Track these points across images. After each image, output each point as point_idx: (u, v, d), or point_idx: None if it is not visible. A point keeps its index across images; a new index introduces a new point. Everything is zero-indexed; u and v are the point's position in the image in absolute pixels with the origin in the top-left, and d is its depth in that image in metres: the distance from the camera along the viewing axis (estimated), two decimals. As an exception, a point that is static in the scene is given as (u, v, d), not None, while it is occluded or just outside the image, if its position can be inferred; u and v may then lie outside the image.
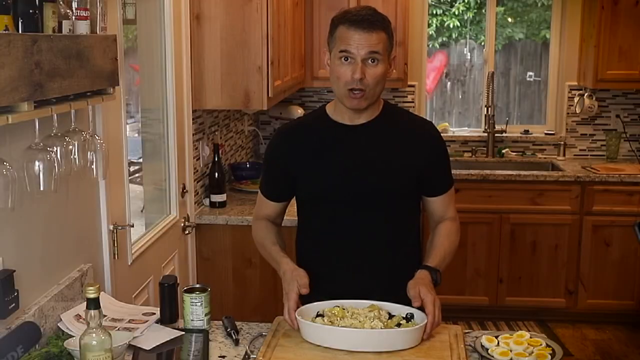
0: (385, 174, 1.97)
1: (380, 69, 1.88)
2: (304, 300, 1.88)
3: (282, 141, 2.07)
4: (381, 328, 1.76)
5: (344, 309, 1.84)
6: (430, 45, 5.29)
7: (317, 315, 1.84)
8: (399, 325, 1.79)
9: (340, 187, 1.97)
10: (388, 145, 1.98)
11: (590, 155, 4.95)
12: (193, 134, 3.29)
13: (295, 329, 1.82)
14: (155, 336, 1.86)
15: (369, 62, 1.87)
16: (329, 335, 1.74)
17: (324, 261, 2.01)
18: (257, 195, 2.18)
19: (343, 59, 1.87)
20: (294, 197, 2.12)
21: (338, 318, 1.80)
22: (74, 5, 1.78)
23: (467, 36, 5.40)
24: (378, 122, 1.99)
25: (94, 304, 1.51)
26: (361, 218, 1.98)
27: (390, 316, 1.83)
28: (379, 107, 2.01)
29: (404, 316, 1.83)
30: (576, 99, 4.86)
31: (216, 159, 3.50)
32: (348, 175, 1.96)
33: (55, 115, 1.75)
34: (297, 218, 2.14)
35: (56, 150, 1.77)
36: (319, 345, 1.75)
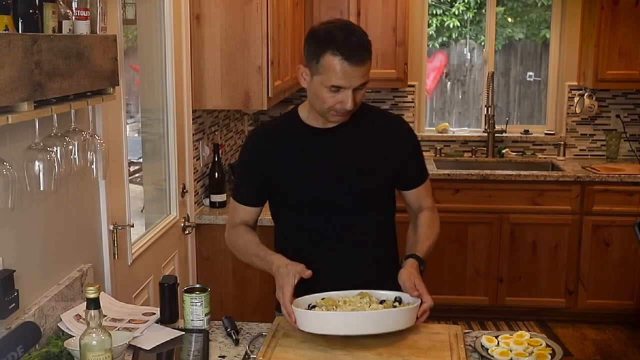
0: (364, 174, 1.98)
1: (365, 88, 1.90)
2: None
3: (256, 145, 2.04)
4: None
5: (334, 299, 1.84)
6: (430, 45, 5.29)
7: (310, 308, 1.83)
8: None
9: (320, 190, 1.97)
10: (364, 146, 1.99)
11: (590, 155, 4.95)
12: (193, 134, 3.29)
13: (294, 321, 1.80)
14: (155, 336, 1.87)
15: (358, 88, 1.87)
16: (329, 320, 1.74)
17: (305, 263, 1.96)
18: (230, 203, 2.14)
19: (332, 89, 1.85)
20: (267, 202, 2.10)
21: (333, 307, 1.80)
22: (74, 5, 1.78)
23: (467, 36, 5.40)
24: (352, 123, 1.98)
25: (94, 304, 1.51)
26: (342, 219, 1.98)
27: (381, 302, 1.85)
28: None
29: (394, 300, 1.86)
30: (576, 99, 4.86)
31: (216, 159, 3.50)
32: (327, 178, 1.96)
33: (55, 115, 1.75)
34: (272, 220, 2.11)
35: (56, 150, 1.77)
36: (318, 342, 1.74)
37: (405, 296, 1.86)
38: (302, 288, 1.88)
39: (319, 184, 1.97)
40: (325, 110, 1.90)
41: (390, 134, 2.03)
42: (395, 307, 1.82)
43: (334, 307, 1.81)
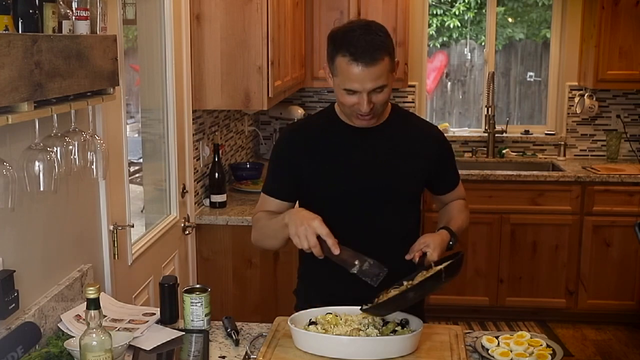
0: (397, 177, 1.99)
1: (387, 91, 1.87)
2: (300, 306, 1.87)
3: (293, 141, 2.04)
4: (377, 335, 1.73)
5: (337, 316, 1.80)
6: (431, 45, 5.29)
7: (310, 323, 1.79)
8: (394, 332, 1.76)
9: (353, 189, 1.97)
10: (399, 149, 2.00)
11: (591, 155, 4.95)
12: (193, 134, 3.28)
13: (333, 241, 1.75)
14: (155, 336, 1.86)
15: (375, 90, 1.84)
16: (324, 343, 1.70)
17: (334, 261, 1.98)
18: (260, 198, 2.10)
19: (348, 91, 1.84)
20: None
21: (332, 325, 1.76)
22: (74, 5, 1.78)
23: (468, 36, 5.40)
24: (388, 125, 2.00)
25: (94, 304, 1.51)
26: (373, 219, 1.98)
27: (385, 322, 1.80)
28: (388, 109, 2.02)
29: (399, 322, 1.80)
30: (576, 99, 4.86)
31: (216, 159, 3.50)
32: (358, 177, 1.96)
33: (55, 115, 1.75)
34: None
35: (56, 151, 1.76)
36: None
37: (412, 319, 1.80)
38: (327, 292, 1.89)
39: (349, 182, 1.97)
40: (348, 112, 1.92)
41: (426, 140, 2.05)
42: (396, 331, 1.76)
43: (335, 325, 1.76)
